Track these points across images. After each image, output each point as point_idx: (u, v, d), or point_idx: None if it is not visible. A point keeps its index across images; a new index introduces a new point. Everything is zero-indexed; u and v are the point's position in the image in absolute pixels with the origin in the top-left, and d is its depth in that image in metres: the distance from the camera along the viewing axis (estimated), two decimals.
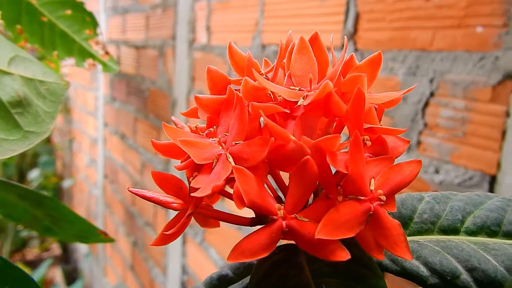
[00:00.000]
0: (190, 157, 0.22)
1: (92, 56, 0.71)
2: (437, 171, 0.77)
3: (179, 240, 1.53)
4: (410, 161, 0.21)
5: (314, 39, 0.25)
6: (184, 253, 1.53)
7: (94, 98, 2.54)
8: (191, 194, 0.20)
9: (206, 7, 1.38)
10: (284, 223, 0.20)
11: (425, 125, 0.77)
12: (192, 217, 0.26)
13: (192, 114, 0.26)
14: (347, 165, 0.20)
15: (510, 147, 0.67)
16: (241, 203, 0.20)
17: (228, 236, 1.25)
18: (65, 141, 3.26)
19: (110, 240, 0.50)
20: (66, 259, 3.24)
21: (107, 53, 0.72)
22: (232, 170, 0.20)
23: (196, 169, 0.22)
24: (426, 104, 0.79)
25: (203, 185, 0.20)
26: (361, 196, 0.20)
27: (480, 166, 0.71)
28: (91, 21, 0.71)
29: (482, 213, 0.24)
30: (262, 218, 0.24)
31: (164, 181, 0.25)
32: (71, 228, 0.45)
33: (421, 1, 0.80)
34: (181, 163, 0.24)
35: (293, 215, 0.20)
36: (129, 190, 0.25)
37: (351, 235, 0.19)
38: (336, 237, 0.19)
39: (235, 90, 0.23)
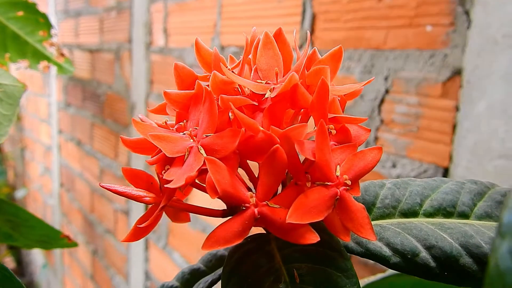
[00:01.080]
0: (161, 152, 0.23)
1: (47, 58, 0.69)
2: (394, 166, 0.80)
3: (141, 245, 1.51)
4: (372, 148, 0.23)
5: (278, 35, 0.26)
6: (147, 259, 1.51)
7: (47, 105, 2.46)
8: (165, 186, 0.21)
9: (163, 9, 1.37)
10: (256, 210, 0.20)
11: (382, 121, 0.80)
12: (163, 214, 0.26)
13: (160, 110, 0.27)
14: (314, 153, 0.21)
15: (460, 140, 0.70)
16: (214, 192, 0.20)
17: (192, 239, 1.24)
18: (16, 150, 3.14)
19: (73, 244, 0.49)
20: (21, 272, 3.11)
21: (62, 54, 0.71)
22: (204, 161, 0.21)
23: (167, 163, 0.23)
24: (382, 101, 0.82)
25: (176, 177, 0.21)
26: (328, 182, 0.21)
27: (434, 159, 0.74)
28: (45, 23, 0.69)
29: (438, 196, 0.26)
30: (234, 209, 0.24)
31: (135, 177, 0.25)
32: (32, 233, 0.44)
33: (373, 2, 0.83)
34: (151, 158, 0.24)
35: (264, 202, 0.21)
36: (100, 186, 0.25)
37: (320, 218, 0.20)
38: (306, 221, 0.19)
39: (204, 85, 0.23)
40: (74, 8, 2.02)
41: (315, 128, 0.21)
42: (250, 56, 0.26)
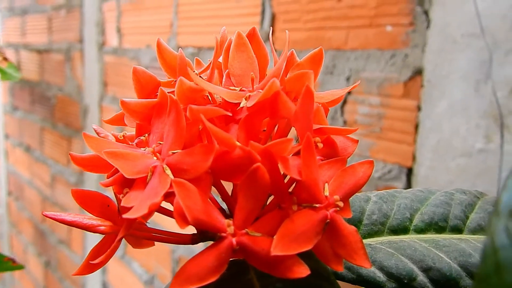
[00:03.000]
0: (119, 171, 0.19)
1: None
2: None
3: None
4: (362, 162, 0.20)
5: (252, 35, 0.23)
6: (104, 269, 1.44)
7: None
8: (124, 216, 0.17)
9: (116, 8, 1.31)
10: (234, 240, 0.17)
11: (345, 122, 0.79)
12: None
13: (117, 121, 0.23)
14: (300, 171, 0.18)
15: (423, 140, 0.70)
16: (183, 221, 0.17)
17: (153, 247, 1.19)
18: None
19: (19, 267, 0.44)
20: None
21: (5, 59, 0.65)
22: (170, 184, 0.18)
23: (126, 184, 0.19)
24: (344, 102, 0.81)
25: (138, 204, 0.17)
26: (316, 204, 0.18)
27: (397, 159, 0.74)
28: None
29: (428, 209, 0.24)
30: (205, 233, 0.21)
31: (87, 199, 0.21)
32: None
33: (333, 2, 0.81)
34: (107, 178, 0.20)
35: (244, 231, 0.18)
36: (44, 215, 0.21)
37: (309, 247, 0.17)
38: (293, 251, 0.17)
39: (168, 92, 0.20)
40: (20, 5, 1.91)
41: (298, 141, 0.19)
42: (220, 60, 0.23)
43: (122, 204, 0.18)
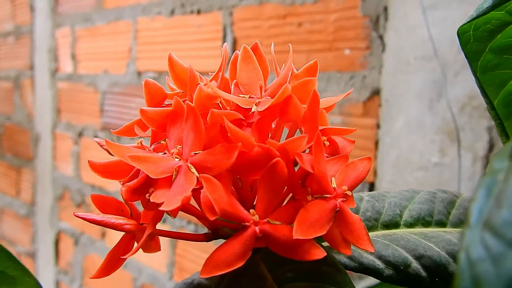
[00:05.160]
0: (138, 176, 0.21)
1: None
2: None
3: None
4: (362, 159, 0.23)
5: (255, 49, 0.26)
6: None
7: None
8: (160, 208, 0.19)
9: (70, 34, 1.30)
10: (257, 228, 0.19)
11: None
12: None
13: (126, 131, 0.24)
14: (312, 165, 0.20)
15: (383, 156, 0.74)
16: (212, 212, 0.19)
17: (113, 277, 1.16)
18: None
19: None
20: None
21: None
22: (196, 181, 0.19)
23: (148, 185, 0.21)
24: None
25: (168, 199, 0.19)
26: (326, 194, 0.20)
27: None
28: None
29: (415, 206, 0.27)
30: (218, 231, 0.23)
31: (105, 204, 0.23)
32: None
33: (293, 27, 0.86)
34: (123, 184, 0.22)
35: (265, 220, 0.20)
36: (75, 215, 0.22)
37: (323, 232, 0.19)
38: (311, 236, 0.19)
39: (183, 101, 0.22)
40: None
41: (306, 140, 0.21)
42: (224, 73, 0.25)
43: (151, 200, 0.19)
